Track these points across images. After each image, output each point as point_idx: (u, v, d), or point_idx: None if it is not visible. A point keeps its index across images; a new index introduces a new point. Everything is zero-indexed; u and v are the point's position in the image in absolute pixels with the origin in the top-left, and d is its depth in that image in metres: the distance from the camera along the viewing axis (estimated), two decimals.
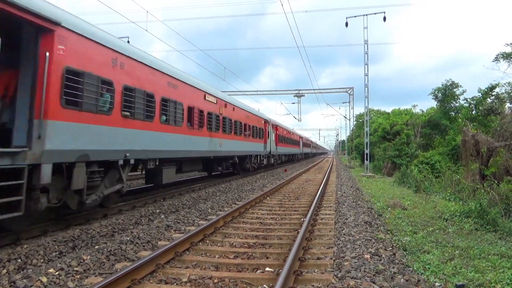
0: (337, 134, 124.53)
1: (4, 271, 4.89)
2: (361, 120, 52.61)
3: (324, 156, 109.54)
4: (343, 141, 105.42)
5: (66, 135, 6.52)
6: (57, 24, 6.28)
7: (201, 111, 13.27)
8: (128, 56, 8.55)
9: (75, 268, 4.95)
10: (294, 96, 41.55)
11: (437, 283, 4.81)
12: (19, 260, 5.26)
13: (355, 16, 26.28)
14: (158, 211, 9.51)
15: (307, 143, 62.71)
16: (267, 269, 5.08)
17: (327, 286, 4.38)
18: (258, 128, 23.24)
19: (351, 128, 56.21)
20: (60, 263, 5.08)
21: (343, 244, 6.23)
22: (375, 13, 25.77)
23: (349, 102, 42.26)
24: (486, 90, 25.12)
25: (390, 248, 6.05)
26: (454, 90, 33.60)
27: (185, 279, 4.67)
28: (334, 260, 5.31)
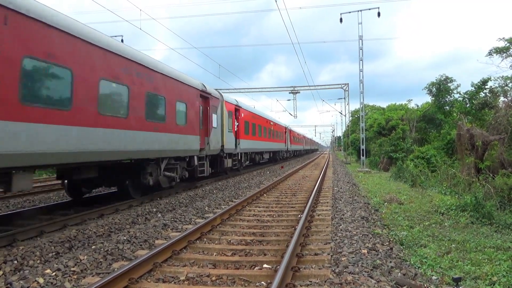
0: (333, 130, 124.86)
1: (0, 272, 4.85)
2: (356, 116, 52.71)
3: (319, 152, 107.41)
4: (339, 137, 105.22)
5: None
6: None
7: None
8: None
9: (72, 269, 4.92)
10: (289, 93, 41.49)
11: (434, 277, 4.84)
12: (15, 262, 5.23)
13: (349, 12, 26.30)
14: (154, 210, 9.49)
15: (279, 130, 33.38)
16: (265, 265, 5.08)
17: (325, 281, 4.39)
18: None
19: (346, 124, 56.23)
20: (56, 264, 5.05)
21: (340, 239, 6.24)
22: (369, 9, 25.82)
23: (344, 98, 42.25)
24: (479, 84, 25.43)
25: (387, 243, 6.08)
26: (449, 84, 33.74)
27: (182, 277, 4.66)
28: (331, 256, 5.32)
